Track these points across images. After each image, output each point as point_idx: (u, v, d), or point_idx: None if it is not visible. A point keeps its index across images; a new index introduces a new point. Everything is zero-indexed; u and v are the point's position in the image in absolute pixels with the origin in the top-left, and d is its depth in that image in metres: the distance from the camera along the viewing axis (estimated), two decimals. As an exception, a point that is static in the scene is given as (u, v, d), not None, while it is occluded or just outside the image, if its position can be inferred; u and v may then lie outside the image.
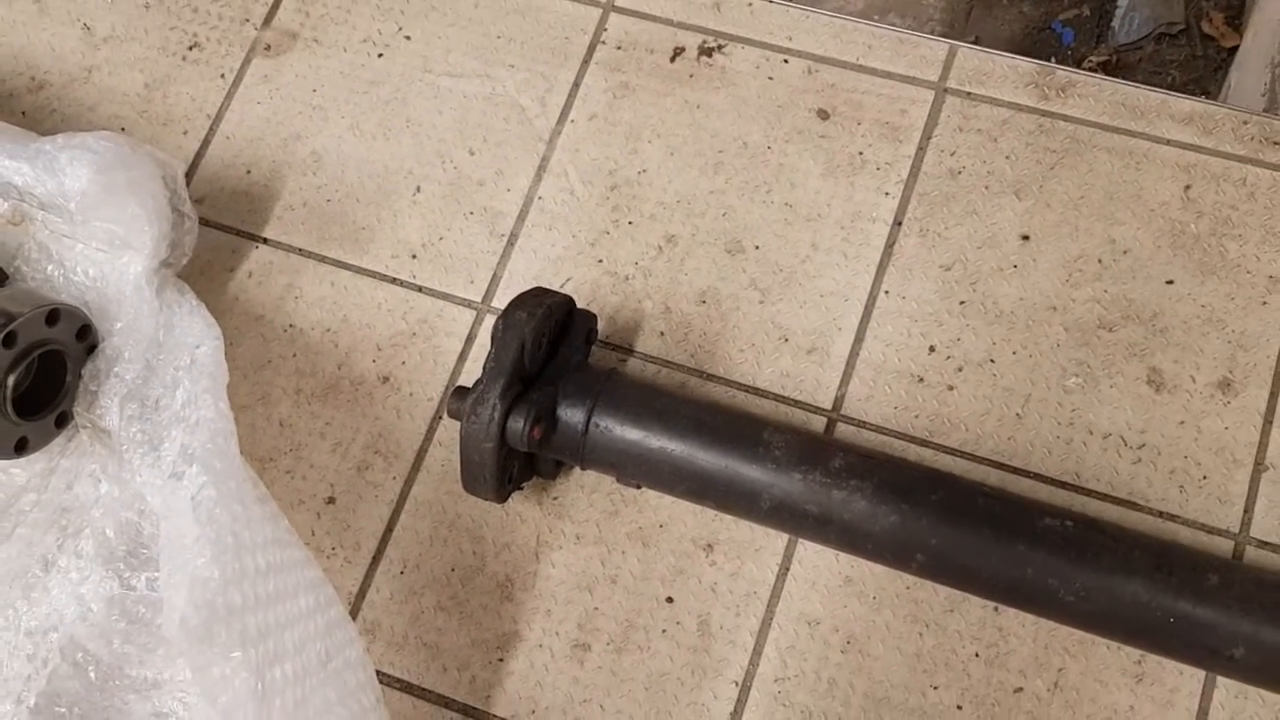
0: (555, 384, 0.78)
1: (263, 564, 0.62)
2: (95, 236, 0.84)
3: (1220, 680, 0.78)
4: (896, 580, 0.82)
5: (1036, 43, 1.54)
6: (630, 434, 0.77)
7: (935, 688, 0.80)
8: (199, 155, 1.02)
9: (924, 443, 0.85)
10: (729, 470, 0.76)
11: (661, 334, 0.91)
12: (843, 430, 0.87)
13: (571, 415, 0.78)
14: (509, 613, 0.85)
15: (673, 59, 0.98)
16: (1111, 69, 1.50)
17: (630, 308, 0.92)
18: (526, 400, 0.75)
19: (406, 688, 0.84)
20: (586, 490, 0.87)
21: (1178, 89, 1.45)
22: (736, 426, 0.78)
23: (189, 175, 1.01)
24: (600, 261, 0.93)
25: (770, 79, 0.96)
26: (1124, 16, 1.53)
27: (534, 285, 0.86)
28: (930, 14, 1.63)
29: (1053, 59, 1.56)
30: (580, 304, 0.89)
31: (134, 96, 1.04)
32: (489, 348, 0.77)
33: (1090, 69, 1.49)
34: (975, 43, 1.54)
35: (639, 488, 0.84)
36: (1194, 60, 1.50)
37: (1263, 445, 0.83)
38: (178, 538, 0.61)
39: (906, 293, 0.90)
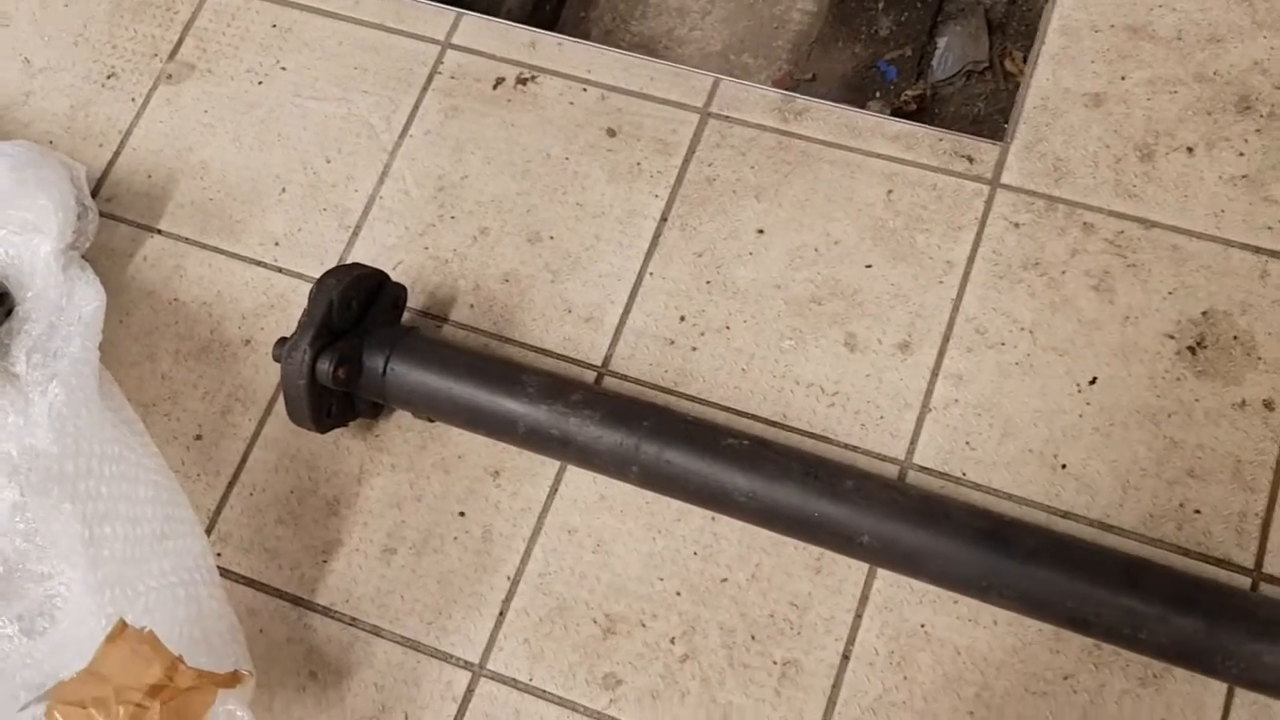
0: (362, 337, 1.00)
1: (99, 450, 0.84)
2: (10, 223, 1.06)
3: (880, 572, 0.99)
4: (638, 496, 1.03)
5: (865, 79, 1.76)
6: (420, 377, 0.99)
7: (662, 579, 1.01)
8: (110, 164, 1.24)
9: (670, 391, 1.07)
10: (493, 404, 0.98)
11: (471, 306, 1.13)
12: (609, 381, 1.08)
13: (373, 361, 0.99)
14: (334, 525, 1.06)
15: (495, 86, 1.21)
16: (927, 102, 1.73)
17: (448, 285, 1.14)
18: (334, 347, 0.97)
19: (250, 583, 1.05)
20: (402, 429, 1.09)
21: (982, 119, 1.69)
22: (501, 371, 1.00)
23: (101, 181, 1.23)
24: (426, 249, 1.15)
25: (571, 104, 1.19)
26: (940, 56, 1.76)
27: (380, 270, 1.08)
28: (779, 54, 1.86)
29: (878, 94, 1.78)
30: (408, 283, 1.11)
31: (61, 116, 1.27)
32: (313, 309, 0.99)
33: (907, 101, 1.71)
34: (812, 80, 1.78)
35: (431, 421, 1.05)
36: (997, 93, 1.73)
37: (929, 393, 1.04)
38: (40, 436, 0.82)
39: (666, 274, 1.12)
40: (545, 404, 0.97)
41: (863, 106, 1.60)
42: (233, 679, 0.86)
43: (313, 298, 0.98)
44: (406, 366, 0.99)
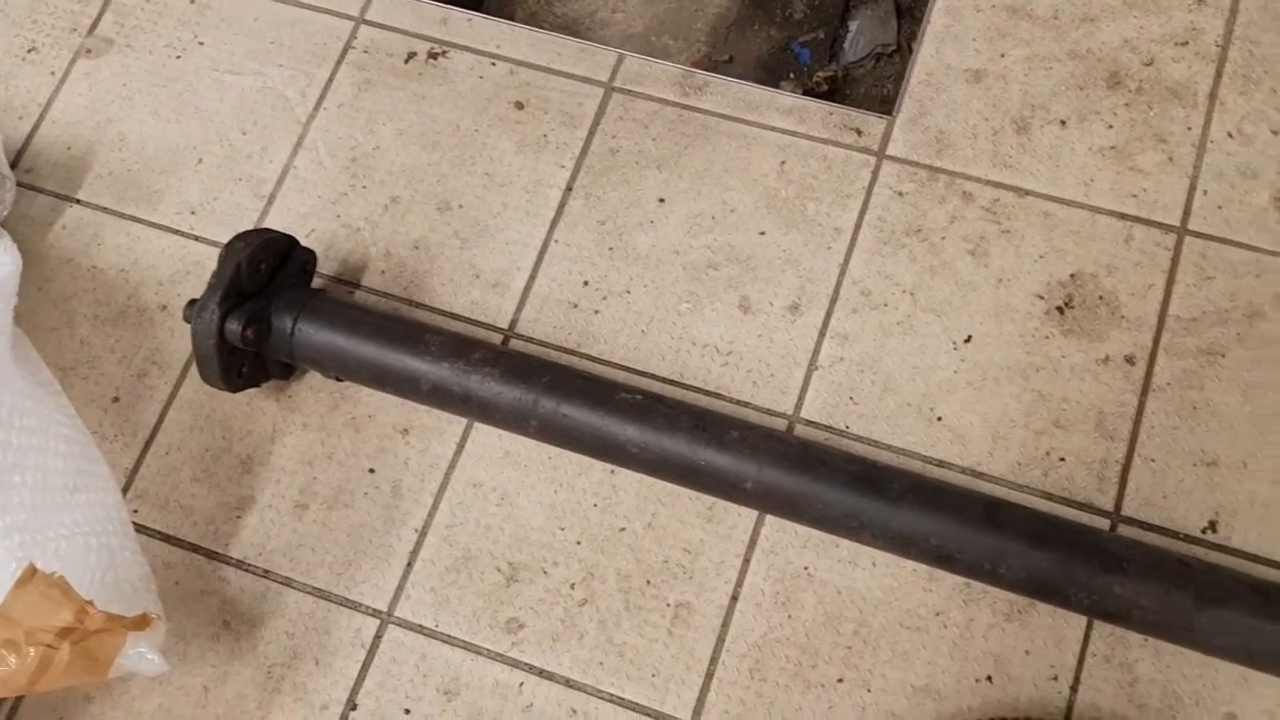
0: (271, 299, 1.04)
1: (10, 403, 0.87)
2: (-73, 190, 1.09)
3: (767, 518, 1.04)
4: (541, 451, 1.08)
5: (779, 61, 1.82)
6: (327, 336, 1.03)
7: (563, 529, 1.06)
8: (30, 135, 1.26)
9: (573, 352, 1.12)
10: (397, 362, 1.02)
11: (382, 272, 1.17)
12: (515, 344, 1.13)
13: (281, 321, 1.03)
14: (247, 482, 1.10)
15: (407, 61, 1.25)
16: (839, 82, 1.79)
17: (360, 252, 1.18)
18: (242, 309, 1.01)
19: (166, 538, 1.09)
20: (314, 390, 1.13)
21: (890, 99, 1.75)
22: (406, 331, 1.04)
23: (21, 152, 1.26)
24: (339, 217, 1.19)
25: (481, 78, 1.23)
26: (851, 39, 1.82)
27: (289, 235, 1.11)
28: (698, 36, 1.91)
29: (791, 75, 1.84)
30: (320, 250, 1.15)
31: (-19, 88, 1.29)
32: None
33: (819, 82, 1.76)
34: (729, 61, 1.83)
35: (339, 380, 1.09)
36: (903, 74, 1.80)
37: (816, 352, 1.10)
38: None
39: (571, 241, 1.16)
40: (447, 362, 1.01)
41: (776, 87, 1.65)
42: (142, 621, 0.90)
43: (221, 260, 1.01)
44: (314, 327, 1.03)
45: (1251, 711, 0.95)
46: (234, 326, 1.00)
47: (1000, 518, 0.95)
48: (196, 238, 1.20)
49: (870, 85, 1.84)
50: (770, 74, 1.83)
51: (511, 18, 1.81)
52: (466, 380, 1.01)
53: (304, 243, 1.13)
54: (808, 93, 1.69)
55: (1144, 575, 0.91)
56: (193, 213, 1.21)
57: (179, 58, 1.27)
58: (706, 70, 1.38)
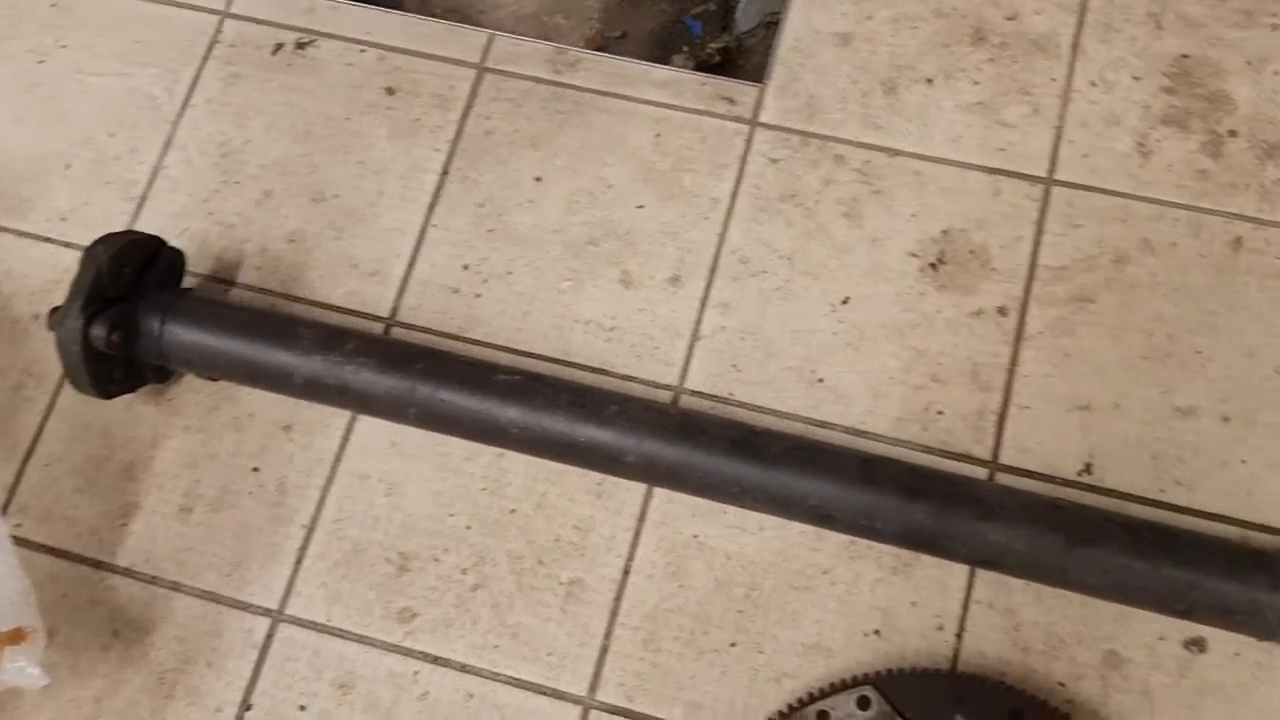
0: (137, 302, 1.02)
1: None
2: None
3: (656, 491, 1.05)
4: (427, 440, 1.07)
5: (671, 34, 1.81)
6: (196, 336, 1.02)
7: (452, 515, 1.06)
8: (-110, 149, 1.23)
9: (456, 337, 1.11)
10: (269, 358, 1.01)
11: (258, 268, 1.15)
12: (397, 332, 1.12)
13: (149, 324, 1.02)
14: (131, 489, 1.09)
15: (274, 52, 1.23)
16: (732, 53, 1.79)
17: (234, 249, 1.16)
18: (106, 313, 0.99)
19: (50, 550, 1.07)
20: (194, 391, 1.11)
21: (783, 67, 1.75)
22: (277, 325, 1.03)
23: (-119, 165, 1.22)
24: (211, 214, 1.17)
25: (350, 65, 1.22)
26: (743, 9, 1.82)
27: (155, 236, 1.09)
28: (590, 13, 1.90)
29: (685, 47, 1.83)
30: (194, 249, 1.13)
31: None
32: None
33: (711, 54, 1.76)
34: (622, 37, 1.82)
35: (214, 379, 1.08)
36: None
37: (698, 322, 1.10)
38: None
39: (449, 225, 1.16)
40: (320, 354, 1.00)
41: (668, 60, 1.65)
42: (16, 635, 0.89)
43: (82, 265, 1.00)
44: (182, 327, 1.02)
45: (1131, 647, 0.98)
46: (99, 332, 0.98)
47: (875, 474, 0.96)
48: (68, 244, 1.17)
49: (763, 54, 1.84)
50: (663, 48, 1.82)
51: (400, 7, 1.79)
52: (340, 371, 1.00)
53: (177, 242, 1.11)
54: (700, 65, 1.69)
55: (1016, 520, 0.93)
56: (63, 219, 1.18)
57: (41, 62, 1.25)
58: (599, 48, 1.38)
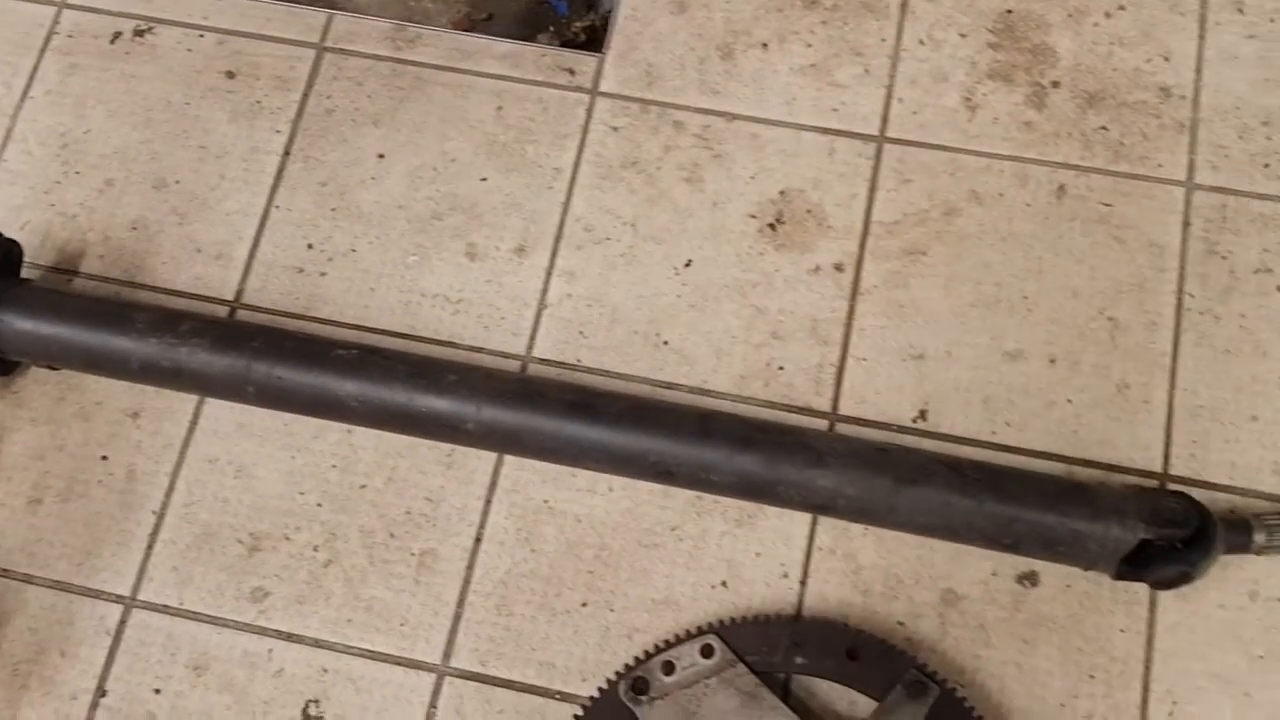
0: (-33, 294, 1.01)
1: None
2: None
3: (507, 460, 1.06)
4: (276, 420, 1.08)
5: (538, 15, 1.82)
6: (31, 325, 1.01)
7: (302, 493, 1.06)
8: None
9: (302, 317, 1.12)
10: (104, 343, 1.01)
11: (101, 256, 1.14)
12: (242, 314, 1.12)
13: (-18, 316, 1.01)
14: (-24, 484, 1.07)
15: (112, 41, 1.22)
16: (597, 31, 1.80)
17: (77, 239, 1.15)
18: (-65, 305, 0.98)
19: (-108, 552, 1.06)
20: (40, 383, 1.10)
21: (652, 42, 1.75)
22: (111, 311, 1.02)
23: None
24: (53, 205, 1.16)
25: (189, 50, 1.21)
26: (609, -12, 1.81)
27: (-8, 229, 1.08)
28: (460, -6, 1.89)
29: (551, 27, 1.83)
30: (36, 241, 1.12)
31: None
32: (-88, 271, 1.00)
33: (577, 33, 1.76)
34: (489, 19, 1.82)
35: (55, 369, 1.07)
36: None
37: (545, 291, 1.12)
38: None
39: (292, 205, 1.16)
40: (154, 337, 1.00)
41: (534, 40, 1.65)
42: None
43: (-95, 258, 0.98)
44: (17, 316, 1.01)
45: (967, 584, 1.01)
46: (-74, 325, 0.97)
47: (710, 428, 0.98)
48: (-97, 242, 1.15)
49: (632, 30, 1.84)
50: (530, 28, 1.83)
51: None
52: (175, 353, 1.00)
53: (18, 235, 1.10)
54: (566, 43, 1.70)
55: (844, 465, 0.96)
56: (-103, 216, 1.16)
57: None
58: (466, 30, 1.38)
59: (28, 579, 1.05)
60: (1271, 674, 0.97)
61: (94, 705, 1.01)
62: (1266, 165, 1.12)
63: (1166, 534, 0.93)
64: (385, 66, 1.20)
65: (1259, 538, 0.96)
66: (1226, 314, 1.07)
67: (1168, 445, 1.04)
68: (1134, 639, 0.98)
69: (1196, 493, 1.00)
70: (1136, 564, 0.96)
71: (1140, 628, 0.99)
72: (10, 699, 1.01)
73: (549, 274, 1.12)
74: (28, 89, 1.20)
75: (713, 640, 0.96)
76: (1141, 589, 1.00)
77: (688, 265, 1.11)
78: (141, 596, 1.04)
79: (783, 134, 1.15)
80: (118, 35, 1.22)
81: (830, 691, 0.97)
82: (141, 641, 1.03)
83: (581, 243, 1.13)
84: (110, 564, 1.05)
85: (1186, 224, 1.10)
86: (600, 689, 0.96)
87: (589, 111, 1.17)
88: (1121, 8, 1.18)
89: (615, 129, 1.16)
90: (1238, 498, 1.02)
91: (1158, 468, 1.03)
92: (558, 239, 1.13)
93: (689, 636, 0.97)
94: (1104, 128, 1.14)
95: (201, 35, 1.21)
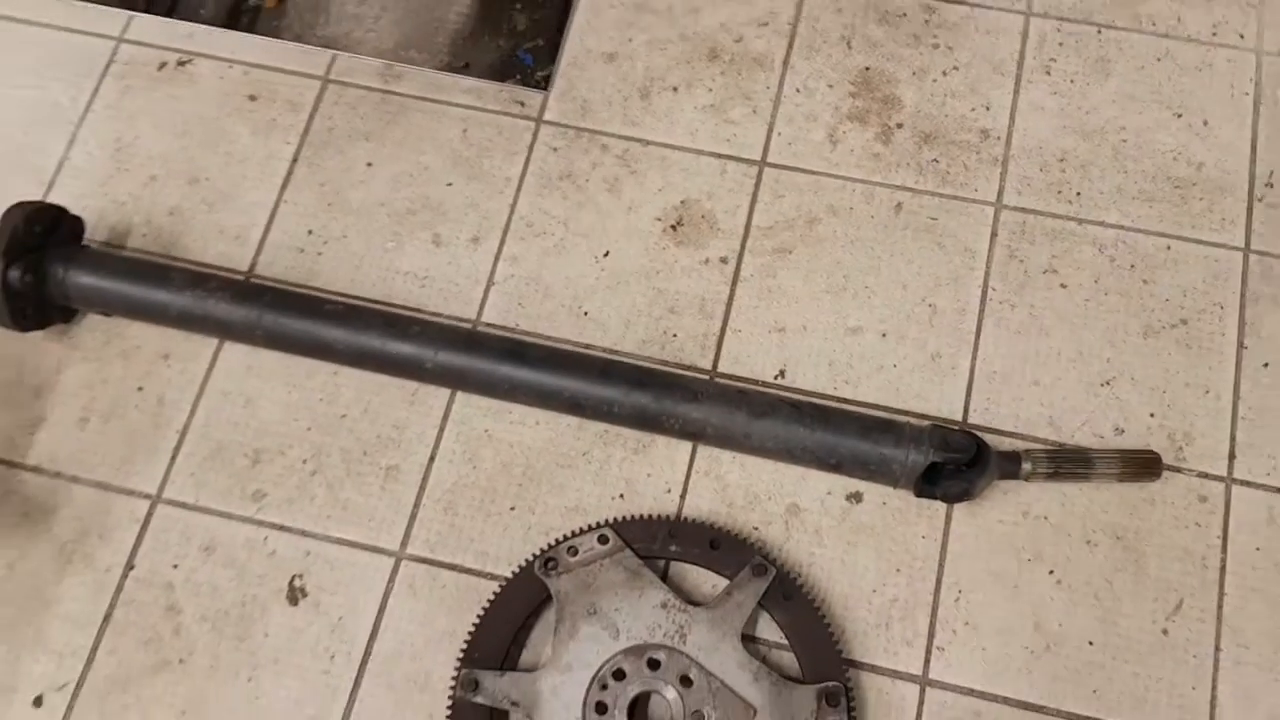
0: (45, 253, 1.31)
1: None
2: None
3: (460, 396, 1.36)
4: (277, 363, 1.37)
5: (508, 65, 2.15)
6: (92, 280, 1.31)
7: (296, 420, 1.35)
8: None
9: (301, 286, 1.42)
10: (149, 295, 1.30)
11: (144, 235, 1.45)
12: (258, 280, 1.42)
13: (55, 271, 1.31)
14: (38, 405, 1.36)
15: (159, 69, 1.54)
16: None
17: (125, 221, 1.45)
18: (22, 260, 1.28)
19: (-29, 455, 1.34)
20: (90, 329, 1.40)
21: (604, 89, 2.06)
22: (155, 271, 1.32)
23: None
24: (107, 194, 1.47)
25: (220, 78, 1.53)
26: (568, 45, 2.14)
27: (59, 205, 1.38)
28: (440, 48, 2.23)
29: (518, 76, 2.16)
30: (92, 222, 1.43)
31: None
32: (3, 235, 1.30)
33: (539, 81, 2.08)
34: (466, 67, 2.14)
35: (107, 314, 1.37)
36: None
37: (493, 272, 1.42)
38: None
39: (298, 200, 1.46)
40: (189, 291, 1.30)
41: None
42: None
43: (1, 224, 1.28)
44: (81, 273, 1.31)
45: (807, 500, 1.30)
46: (15, 274, 1.27)
47: (612, 371, 1.28)
48: (-13, 219, 1.45)
49: (587, 80, 2.16)
50: (501, 76, 2.16)
51: (278, 36, 2.10)
52: (205, 304, 1.30)
53: (78, 214, 1.40)
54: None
55: (712, 402, 1.26)
56: (-18, 200, 1.46)
57: (-35, 75, 1.54)
58: (448, 75, 1.69)
59: (74, 479, 1.34)
60: (1035, 572, 1.26)
61: (124, 576, 1.29)
62: (1059, 192, 1.44)
63: (952, 457, 1.23)
64: (376, 96, 1.52)
65: (1026, 466, 1.26)
66: (1020, 304, 1.39)
67: (968, 401, 1.34)
68: (932, 544, 1.28)
69: (988, 437, 1.30)
70: (931, 482, 1.26)
71: (937, 536, 1.28)
72: (57, 569, 1.29)
73: (497, 259, 1.43)
74: (90, 104, 1.52)
75: (607, 531, 1.25)
76: (940, 507, 1.29)
77: (606, 255, 1.42)
78: (165, 495, 1.33)
79: (685, 157, 1.47)
80: (163, 64, 1.54)
81: (696, 574, 1.26)
82: (164, 529, 1.31)
83: (524, 235, 1.44)
84: (141, 470, 1.34)
85: (994, 235, 1.42)
86: (520, 566, 1.25)
87: (534, 135, 1.49)
88: (955, 68, 1.51)
89: (554, 149, 1.48)
90: (1020, 441, 1.32)
91: (959, 418, 1.33)
92: (505, 232, 1.44)
93: (588, 530, 1.27)
94: (935, 160, 1.46)
95: (231, 67, 1.53)
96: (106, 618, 1.27)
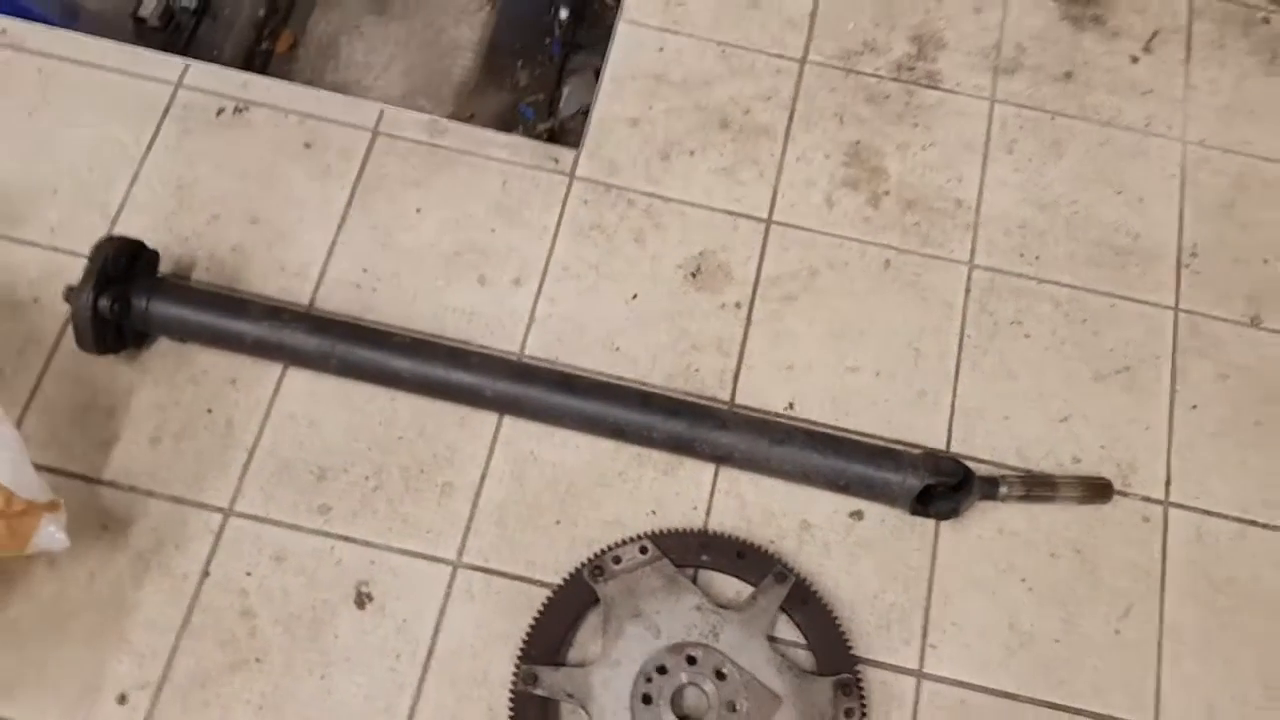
0: (128, 284, 1.43)
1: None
2: None
3: (507, 420, 1.51)
4: (338, 387, 1.50)
5: (510, 117, 2.32)
6: (172, 309, 1.43)
7: (357, 441, 1.49)
8: (-98, 175, 1.58)
9: (358, 319, 1.55)
10: (227, 325, 1.43)
11: (208, 269, 1.57)
12: (314, 306, 1.55)
13: (138, 299, 1.42)
14: (112, 425, 1.47)
15: (217, 114, 1.66)
16: (556, 133, 2.30)
17: (189, 256, 1.57)
18: (110, 290, 1.39)
19: (51, 470, 1.42)
20: (162, 355, 1.51)
21: (597, 143, 2.24)
22: (232, 302, 1.45)
23: (-105, 187, 1.57)
24: (171, 230, 1.58)
25: (276, 126, 1.66)
26: (565, 100, 2.34)
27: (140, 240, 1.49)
28: (445, 99, 2.40)
29: (519, 128, 2.34)
30: (161, 255, 1.54)
31: None
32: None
33: (540, 134, 2.26)
34: (470, 119, 2.31)
35: (183, 341, 1.49)
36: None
37: (534, 310, 1.58)
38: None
39: (352, 241, 1.60)
40: (265, 322, 1.43)
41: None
42: (53, 505, 1.26)
43: (92, 255, 1.39)
44: (159, 304, 1.43)
45: (817, 517, 1.49)
46: (105, 303, 1.38)
47: (650, 402, 1.46)
48: (56, 249, 1.56)
49: (578, 133, 2.37)
50: (503, 127, 2.34)
51: (289, 79, 2.23)
52: (280, 334, 1.43)
53: (146, 249, 1.52)
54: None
55: (738, 430, 1.44)
56: (52, 231, 1.57)
57: (30, 115, 1.63)
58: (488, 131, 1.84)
59: (150, 493, 1.44)
60: (1010, 580, 1.48)
61: (200, 582, 1.40)
62: (1021, 255, 1.68)
63: (942, 481, 1.44)
64: (424, 148, 1.67)
65: (1003, 489, 1.48)
66: (991, 350, 1.61)
67: (949, 432, 1.55)
68: (924, 556, 1.48)
69: (966, 462, 1.51)
70: (923, 502, 1.46)
71: (928, 549, 1.49)
72: (135, 576, 1.40)
73: (536, 298, 1.59)
74: (151, 144, 1.63)
75: (647, 543, 1.42)
76: (930, 524, 1.50)
77: (635, 298, 1.60)
78: (237, 508, 1.44)
79: (701, 213, 1.66)
80: (221, 110, 1.67)
81: (724, 581, 1.44)
82: (236, 540, 1.43)
83: (560, 278, 1.61)
84: (213, 485, 1.45)
85: (968, 290, 1.65)
86: (570, 573, 1.41)
87: (568, 189, 1.66)
88: (932, 144, 1.74)
89: (585, 201, 1.66)
90: (993, 468, 1.53)
91: (943, 446, 1.54)
92: (544, 275, 1.61)
93: (629, 541, 1.43)
94: (917, 223, 1.68)
95: (286, 115, 1.67)
96: (185, 621, 1.38)
